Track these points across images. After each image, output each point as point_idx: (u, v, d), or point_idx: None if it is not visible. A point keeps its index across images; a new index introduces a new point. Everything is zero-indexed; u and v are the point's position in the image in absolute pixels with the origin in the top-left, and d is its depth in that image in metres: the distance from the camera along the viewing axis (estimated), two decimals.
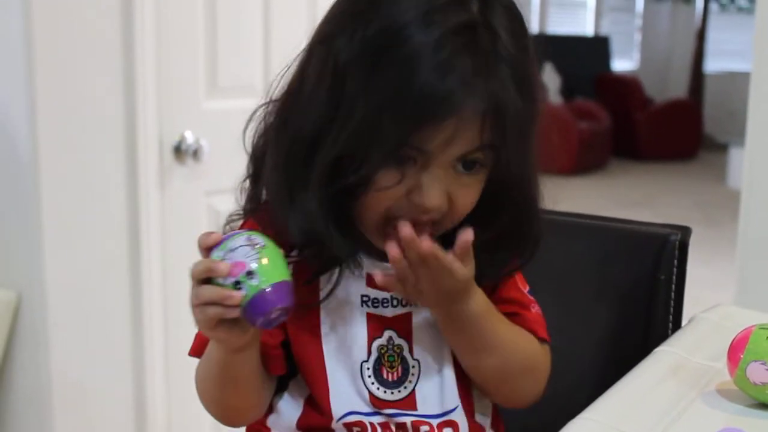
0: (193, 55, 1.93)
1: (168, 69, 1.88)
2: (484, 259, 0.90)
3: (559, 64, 7.97)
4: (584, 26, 9.71)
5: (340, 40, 0.84)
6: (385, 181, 0.84)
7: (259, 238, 0.82)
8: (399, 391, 0.95)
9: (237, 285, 0.79)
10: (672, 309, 1.15)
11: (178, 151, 1.92)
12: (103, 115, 1.81)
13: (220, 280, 0.80)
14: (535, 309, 0.99)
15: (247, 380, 0.92)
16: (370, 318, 0.94)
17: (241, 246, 0.80)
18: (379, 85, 0.81)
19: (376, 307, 0.94)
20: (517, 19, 0.86)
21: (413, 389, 0.95)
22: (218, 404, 0.96)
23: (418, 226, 0.84)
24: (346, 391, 0.94)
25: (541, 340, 0.98)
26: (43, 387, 1.80)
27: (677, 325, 1.16)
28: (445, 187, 0.85)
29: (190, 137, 1.92)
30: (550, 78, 8.06)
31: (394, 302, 0.94)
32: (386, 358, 0.95)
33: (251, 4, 2.02)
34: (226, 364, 0.89)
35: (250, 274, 0.79)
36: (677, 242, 1.16)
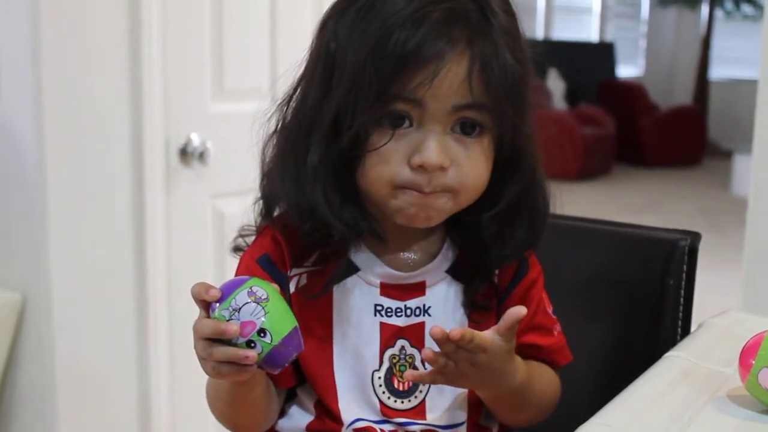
0: (199, 58, 1.93)
1: (174, 71, 1.88)
2: (500, 240, 0.91)
3: (564, 70, 7.97)
4: (589, 32, 9.71)
5: (331, 21, 0.88)
6: (379, 139, 0.85)
7: (261, 290, 0.81)
8: (409, 401, 0.95)
9: (250, 343, 0.79)
10: (681, 314, 1.15)
11: (184, 153, 1.92)
12: (109, 117, 1.81)
13: (233, 340, 0.80)
14: (557, 330, 1.01)
15: (256, 400, 0.92)
16: (383, 327, 0.94)
17: (246, 303, 0.80)
18: (361, 43, 0.83)
19: (389, 316, 0.94)
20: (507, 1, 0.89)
21: (423, 399, 0.95)
22: (228, 420, 0.96)
23: (429, 197, 0.86)
24: (355, 399, 0.94)
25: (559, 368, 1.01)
26: (47, 388, 1.80)
27: (686, 331, 1.15)
28: (445, 146, 0.85)
29: (196, 140, 1.92)
30: (555, 84, 8.06)
31: (408, 311, 0.94)
32: (398, 368, 0.94)
33: (258, 6, 2.02)
34: (233, 389, 0.89)
35: (262, 332, 0.79)
36: (686, 247, 1.15)
